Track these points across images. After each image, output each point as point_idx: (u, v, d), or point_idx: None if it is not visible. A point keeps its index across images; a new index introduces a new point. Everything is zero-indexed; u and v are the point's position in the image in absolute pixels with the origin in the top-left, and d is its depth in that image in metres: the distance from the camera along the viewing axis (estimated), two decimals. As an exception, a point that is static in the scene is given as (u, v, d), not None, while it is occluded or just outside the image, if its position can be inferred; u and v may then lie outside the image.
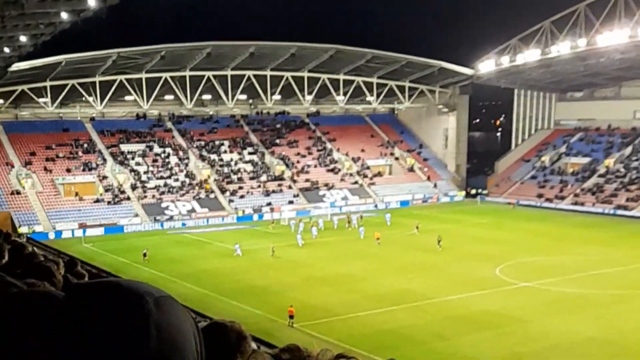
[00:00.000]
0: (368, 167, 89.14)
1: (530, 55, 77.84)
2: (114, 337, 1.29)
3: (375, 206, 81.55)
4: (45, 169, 74.00)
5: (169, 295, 1.41)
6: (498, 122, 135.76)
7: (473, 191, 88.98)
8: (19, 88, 72.85)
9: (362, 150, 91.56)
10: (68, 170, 74.80)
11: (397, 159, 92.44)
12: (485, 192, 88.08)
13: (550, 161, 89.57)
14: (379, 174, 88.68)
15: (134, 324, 1.30)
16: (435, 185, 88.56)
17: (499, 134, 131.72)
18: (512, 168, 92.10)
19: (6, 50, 59.19)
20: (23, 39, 52.89)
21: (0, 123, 77.27)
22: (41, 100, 75.21)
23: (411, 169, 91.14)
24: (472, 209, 78.27)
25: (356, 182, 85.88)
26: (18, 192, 69.45)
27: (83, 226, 66.93)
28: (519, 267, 46.50)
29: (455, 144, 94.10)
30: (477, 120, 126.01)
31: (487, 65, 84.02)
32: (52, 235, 63.70)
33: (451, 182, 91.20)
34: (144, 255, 51.48)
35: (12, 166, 72.91)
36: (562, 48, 74.89)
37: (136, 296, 1.35)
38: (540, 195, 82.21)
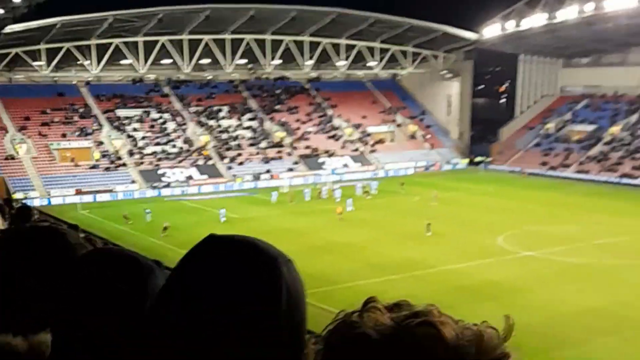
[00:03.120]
0: (369, 134, 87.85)
1: (536, 20, 76.18)
2: (247, 294, 1.31)
3: (376, 174, 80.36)
4: (40, 134, 72.80)
5: (292, 259, 1.45)
6: (502, 89, 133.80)
7: (476, 159, 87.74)
8: (13, 51, 71.52)
9: (364, 117, 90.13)
10: (63, 136, 73.59)
11: (399, 125, 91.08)
12: (488, 159, 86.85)
13: (555, 128, 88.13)
14: (381, 141, 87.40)
15: (269, 283, 1.33)
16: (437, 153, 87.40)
17: (502, 100, 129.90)
18: (516, 135, 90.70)
19: (0, 11, 57.85)
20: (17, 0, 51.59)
21: (-6, 87, 75.79)
22: (36, 63, 73.85)
23: (413, 136, 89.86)
24: (475, 177, 77.13)
25: (357, 149, 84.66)
26: (12, 158, 68.37)
27: (79, 192, 65.88)
28: (522, 235, 45.52)
29: (459, 111, 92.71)
30: (481, 87, 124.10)
31: (491, 30, 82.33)
32: (46, 202, 62.71)
33: (454, 150, 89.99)
34: (165, 228, 47.70)
35: (6, 131, 71.68)
36: (569, 13, 73.20)
37: (270, 257, 1.37)
38: (544, 163, 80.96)
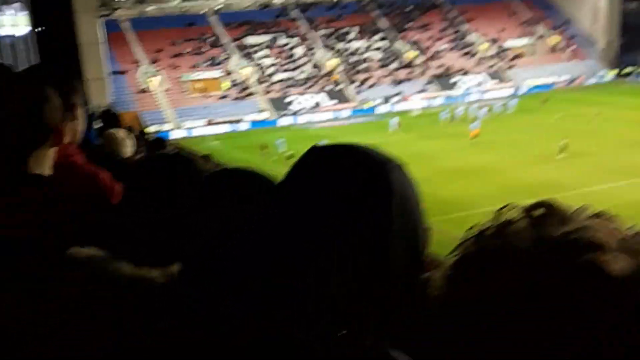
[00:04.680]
0: (507, 49, 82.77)
1: None
2: (357, 202, 1.24)
3: (516, 91, 75.81)
4: (171, 65, 73.62)
5: (402, 164, 1.37)
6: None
7: (626, 70, 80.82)
8: (144, -18, 72.19)
9: (502, 30, 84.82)
10: (194, 66, 74.10)
11: (540, 37, 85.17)
12: (640, 70, 79.88)
13: None
14: (520, 56, 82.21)
15: (377, 189, 1.26)
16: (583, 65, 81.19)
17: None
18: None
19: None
20: None
21: (127, 20, 76.94)
22: (166, -6, 74.40)
23: (555, 49, 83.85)
24: (625, 90, 71.06)
25: (493, 66, 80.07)
26: (146, 91, 69.65)
27: (210, 123, 66.38)
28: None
29: (607, 17, 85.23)
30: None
31: None
32: (181, 133, 63.65)
33: (601, 61, 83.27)
34: (261, 148, 49.94)
35: (140, 64, 73.04)
36: None
37: (379, 162, 1.31)
38: None
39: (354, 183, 1.23)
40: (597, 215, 0.88)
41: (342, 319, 1.17)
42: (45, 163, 2.18)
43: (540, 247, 0.82)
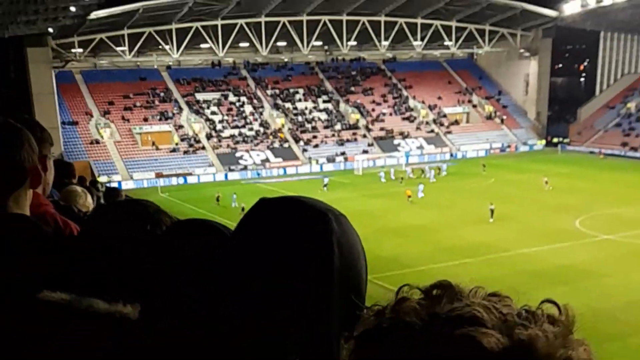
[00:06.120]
0: (445, 115, 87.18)
1: (619, -5, 73.79)
2: (298, 253, 1.29)
3: (452, 155, 79.85)
4: (123, 118, 75.31)
5: (344, 214, 1.41)
6: (582, 67, 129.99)
7: (554, 140, 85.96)
8: (98, 37, 73.65)
9: (439, 98, 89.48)
10: (145, 120, 75.88)
11: (474, 106, 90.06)
12: (566, 140, 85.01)
13: (637, 108, 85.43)
14: (456, 122, 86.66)
15: (319, 240, 1.30)
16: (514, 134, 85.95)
17: (582, 79, 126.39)
18: (596, 115, 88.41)
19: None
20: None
21: (80, 72, 78.54)
22: (119, 48, 76.01)
23: (489, 117, 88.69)
24: (553, 158, 75.73)
25: (432, 131, 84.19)
26: (97, 142, 71.01)
27: (159, 176, 68.01)
28: (601, 219, 44.58)
29: (537, 90, 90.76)
30: (560, 65, 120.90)
31: (572, 6, 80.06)
32: (130, 185, 64.99)
33: (531, 130, 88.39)
34: (217, 199, 53.15)
35: (91, 115, 74.42)
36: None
37: (319, 213, 1.35)
38: (624, 144, 78.74)
39: (297, 232, 1.31)
40: (493, 294, 0.88)
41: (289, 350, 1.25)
42: (24, 204, 2.21)
43: (427, 322, 0.87)
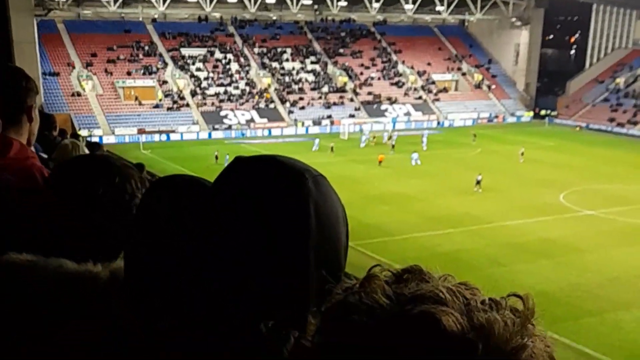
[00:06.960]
0: (433, 82, 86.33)
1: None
2: (273, 213, 1.26)
3: (438, 123, 79.24)
4: (105, 70, 73.68)
5: (323, 175, 1.38)
6: (573, 39, 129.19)
7: (542, 112, 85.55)
8: (82, -15, 72.00)
9: (429, 64, 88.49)
10: (128, 73, 74.36)
11: (464, 74, 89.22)
12: (554, 113, 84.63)
13: (625, 83, 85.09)
14: (445, 90, 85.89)
15: (295, 201, 1.27)
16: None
17: (572, 51, 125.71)
18: (585, 89, 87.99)
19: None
20: None
21: (62, 22, 76.56)
22: (103, -1, 74.29)
23: (478, 86, 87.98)
24: (539, 131, 75.35)
25: (420, 97, 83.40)
26: (79, 94, 69.50)
27: (142, 132, 66.75)
28: (585, 194, 44.39)
29: (526, 61, 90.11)
30: (551, 37, 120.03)
31: (566, -22, 79.15)
32: (111, 139, 63.79)
33: (519, 102, 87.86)
34: (216, 157, 50.70)
35: (73, 67, 72.72)
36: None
37: (296, 173, 1.31)
38: (611, 119, 78.48)
39: (272, 191, 1.27)
40: (462, 283, 0.94)
41: (265, 313, 1.24)
42: (23, 135, 2.40)
43: (392, 300, 0.89)
